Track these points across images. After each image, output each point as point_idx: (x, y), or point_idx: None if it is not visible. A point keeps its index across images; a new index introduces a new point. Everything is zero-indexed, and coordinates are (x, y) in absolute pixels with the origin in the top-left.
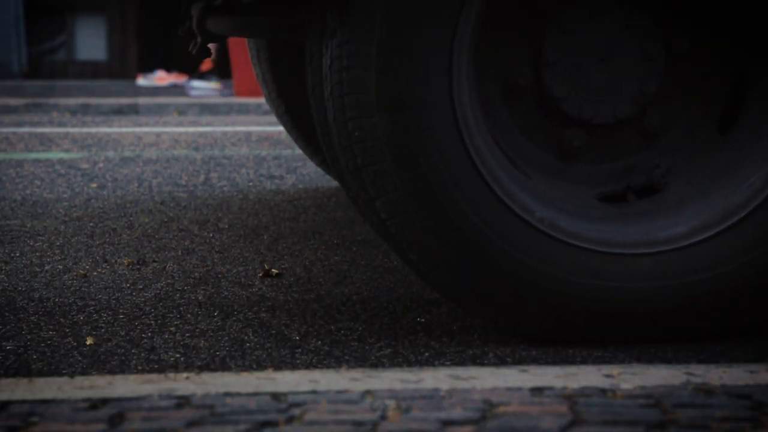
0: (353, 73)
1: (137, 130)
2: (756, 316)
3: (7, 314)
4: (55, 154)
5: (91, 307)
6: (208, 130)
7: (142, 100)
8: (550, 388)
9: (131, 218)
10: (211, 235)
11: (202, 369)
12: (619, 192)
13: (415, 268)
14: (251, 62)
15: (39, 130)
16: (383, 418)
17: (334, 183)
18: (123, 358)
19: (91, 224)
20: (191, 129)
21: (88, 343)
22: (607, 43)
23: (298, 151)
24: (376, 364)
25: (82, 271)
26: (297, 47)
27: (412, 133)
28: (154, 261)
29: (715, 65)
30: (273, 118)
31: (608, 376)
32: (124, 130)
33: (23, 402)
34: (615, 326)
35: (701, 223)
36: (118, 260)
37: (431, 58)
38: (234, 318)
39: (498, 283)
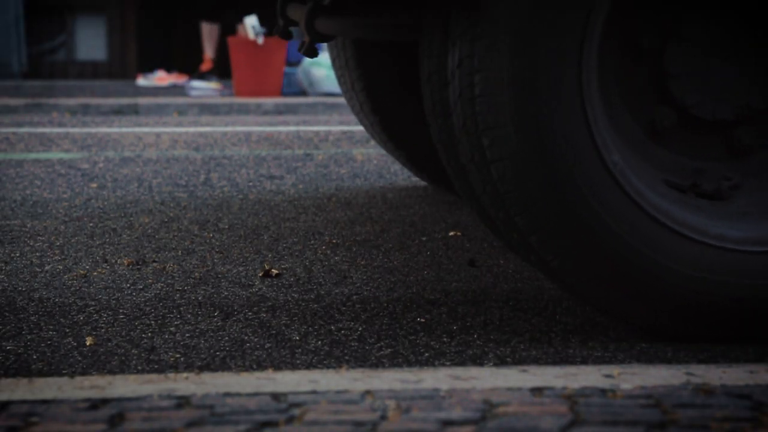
0: None
1: (137, 130)
2: None
3: (7, 314)
4: (55, 154)
5: (91, 307)
6: (208, 130)
7: (142, 100)
8: (550, 388)
9: (131, 218)
10: (211, 235)
11: (202, 369)
12: (683, 187)
13: (491, 186)
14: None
15: (39, 130)
16: (383, 418)
17: (334, 183)
18: (123, 358)
19: (91, 224)
20: (191, 129)
21: (88, 343)
22: (738, 45)
23: (298, 151)
24: (376, 364)
25: (82, 271)
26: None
27: (537, 54)
28: (154, 261)
29: None
30: (273, 119)
31: (608, 376)
32: (124, 130)
33: (23, 402)
34: (635, 296)
35: (756, 237)
36: (118, 260)
37: None
38: (234, 318)
39: (553, 202)
